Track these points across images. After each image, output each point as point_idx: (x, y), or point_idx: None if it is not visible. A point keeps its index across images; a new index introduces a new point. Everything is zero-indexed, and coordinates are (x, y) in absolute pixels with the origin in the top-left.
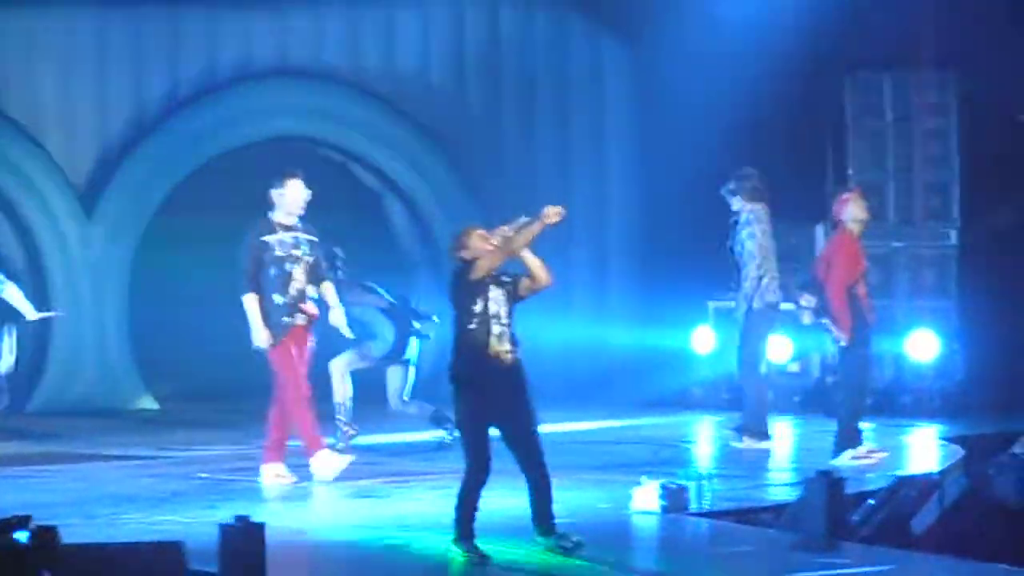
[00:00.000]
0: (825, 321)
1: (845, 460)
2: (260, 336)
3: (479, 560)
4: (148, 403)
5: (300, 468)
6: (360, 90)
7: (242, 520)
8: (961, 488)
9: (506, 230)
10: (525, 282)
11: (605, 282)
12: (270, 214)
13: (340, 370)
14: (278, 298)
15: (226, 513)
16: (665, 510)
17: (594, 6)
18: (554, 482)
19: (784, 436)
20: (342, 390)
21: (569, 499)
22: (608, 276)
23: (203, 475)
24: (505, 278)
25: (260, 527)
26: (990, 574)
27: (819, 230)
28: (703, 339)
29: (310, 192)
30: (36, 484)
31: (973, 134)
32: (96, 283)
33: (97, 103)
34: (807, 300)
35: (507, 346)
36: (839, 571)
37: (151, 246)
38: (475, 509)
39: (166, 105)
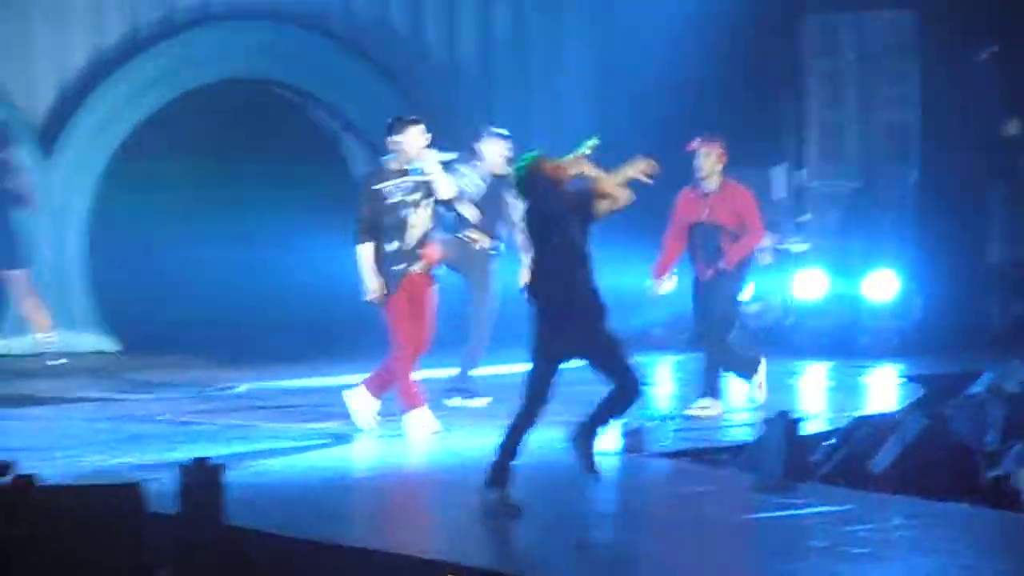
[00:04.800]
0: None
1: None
2: (370, 287)
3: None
4: (108, 346)
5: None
6: (318, 31)
7: (201, 461)
8: (920, 428)
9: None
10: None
11: None
12: (384, 160)
13: None
14: (393, 246)
15: (185, 455)
16: (625, 450)
17: None
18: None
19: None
20: None
21: (529, 439)
22: None
23: (162, 417)
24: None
25: (219, 468)
26: (947, 513)
27: (778, 172)
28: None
29: (430, 136)
30: None
31: (933, 75)
32: (56, 226)
33: (56, 45)
34: (768, 240)
35: None
36: (797, 511)
37: (111, 189)
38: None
39: (125, 47)
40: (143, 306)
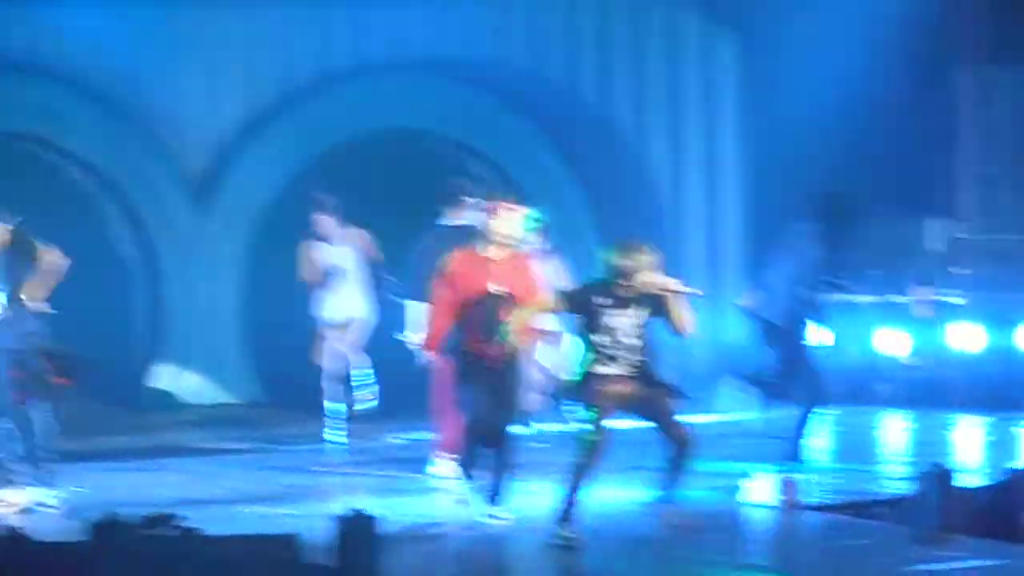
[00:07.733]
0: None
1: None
2: None
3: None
4: (260, 396)
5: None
6: (473, 83)
7: (356, 513)
8: None
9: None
10: None
11: (717, 276)
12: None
13: None
14: None
15: (340, 506)
16: (779, 503)
17: None
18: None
19: (899, 429)
20: None
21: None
22: (719, 270)
23: (316, 468)
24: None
25: (374, 520)
26: None
27: (931, 223)
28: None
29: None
30: (148, 477)
31: None
32: (209, 277)
33: (209, 96)
34: (920, 293)
35: None
36: (953, 564)
37: (265, 240)
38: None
39: (279, 98)
40: (295, 357)
